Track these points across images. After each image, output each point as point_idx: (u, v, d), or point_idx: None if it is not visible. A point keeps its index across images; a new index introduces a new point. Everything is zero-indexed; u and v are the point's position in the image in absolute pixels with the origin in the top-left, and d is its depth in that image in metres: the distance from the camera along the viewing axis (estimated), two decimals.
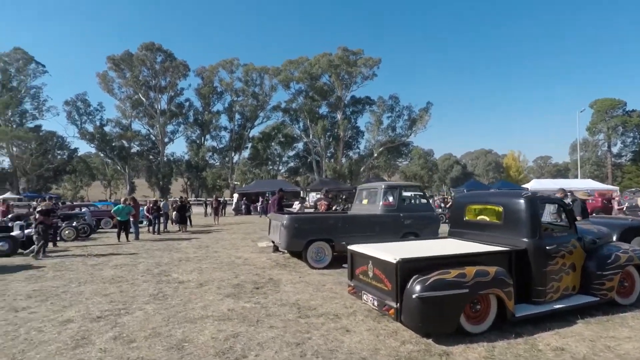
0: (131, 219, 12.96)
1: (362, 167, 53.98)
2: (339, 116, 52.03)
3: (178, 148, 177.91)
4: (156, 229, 15.19)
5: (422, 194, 9.38)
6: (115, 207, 12.04)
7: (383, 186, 9.14)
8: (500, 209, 5.36)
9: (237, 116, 50.74)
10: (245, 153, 53.59)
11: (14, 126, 42.88)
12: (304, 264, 8.65)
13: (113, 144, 46.23)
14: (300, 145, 55.53)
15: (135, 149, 49.99)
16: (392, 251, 4.94)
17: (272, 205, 10.37)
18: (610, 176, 59.48)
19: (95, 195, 54.88)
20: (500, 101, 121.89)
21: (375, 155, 53.03)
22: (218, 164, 53.33)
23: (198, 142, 50.04)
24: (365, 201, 9.68)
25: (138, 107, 46.97)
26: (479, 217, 5.82)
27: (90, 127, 46.12)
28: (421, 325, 4.14)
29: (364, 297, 4.99)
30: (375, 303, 4.69)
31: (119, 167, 48.92)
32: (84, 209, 17.43)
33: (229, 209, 29.45)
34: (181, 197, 18.51)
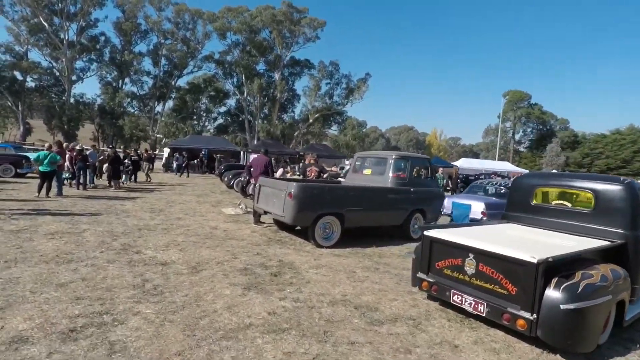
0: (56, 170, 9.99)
1: (296, 131, 52.47)
2: (276, 76, 49.06)
3: (89, 89, 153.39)
4: (81, 183, 12.18)
5: (429, 167, 8.52)
6: (36, 154, 9.03)
7: (394, 156, 8.02)
8: (590, 194, 4.61)
9: (164, 61, 44.70)
10: (170, 104, 48.07)
11: None
12: (301, 240, 7.29)
13: (2, 74, 37.19)
14: (232, 102, 51.66)
15: (32, 83, 41.15)
16: (503, 242, 3.89)
17: (256, 168, 8.59)
18: (510, 160, 67.15)
19: None
20: (426, 81, 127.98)
21: (311, 120, 51.77)
22: (137, 112, 46.94)
23: (115, 85, 42.95)
24: (367, 171, 8.51)
25: (37, 34, 38.03)
26: (554, 202, 5.05)
27: None
28: (570, 343, 3.21)
29: (455, 297, 3.92)
30: (482, 308, 3.64)
31: (9, 104, 39.81)
32: None
33: (157, 165, 25.98)
34: (112, 147, 15.29)
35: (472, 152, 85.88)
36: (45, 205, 9.03)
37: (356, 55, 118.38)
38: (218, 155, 27.14)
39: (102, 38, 41.85)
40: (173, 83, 46.15)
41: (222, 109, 52.11)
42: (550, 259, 3.27)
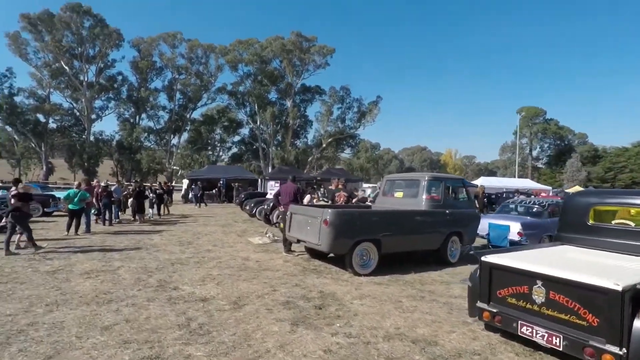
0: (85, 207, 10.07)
1: (309, 156, 52.78)
2: (288, 103, 49.96)
3: (107, 126, 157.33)
4: (107, 219, 12.24)
5: (464, 188, 8.28)
6: (66, 193, 9.13)
7: (427, 177, 7.83)
8: None
9: (178, 95, 46.05)
10: (185, 136, 49.13)
11: None
12: (336, 268, 7.05)
13: (26, 117, 38.76)
14: (245, 131, 52.59)
15: (54, 124, 42.73)
16: (571, 267, 3.63)
17: (284, 195, 8.47)
18: (529, 177, 65.85)
19: (0, 176, 45.96)
20: (437, 101, 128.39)
21: (324, 145, 52.10)
22: (154, 145, 48.04)
23: (132, 120, 44.29)
24: (399, 194, 8.31)
25: (59, 77, 39.84)
26: (615, 222, 4.76)
27: None
28: None
29: (523, 329, 3.62)
30: (558, 341, 3.34)
31: (33, 145, 41.26)
32: (2, 192, 13.56)
33: (176, 197, 26.20)
34: (136, 181, 15.46)
35: (488, 170, 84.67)
36: (75, 243, 9.03)
37: (367, 78, 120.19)
38: (236, 184, 27.25)
39: (120, 77, 43.59)
40: (188, 116, 47.31)
41: (236, 138, 53.02)
42: (638, 286, 2.99)
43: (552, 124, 67.35)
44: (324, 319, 4.47)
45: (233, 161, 52.56)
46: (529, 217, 10.08)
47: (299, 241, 7.23)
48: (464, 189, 8.36)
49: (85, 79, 41.05)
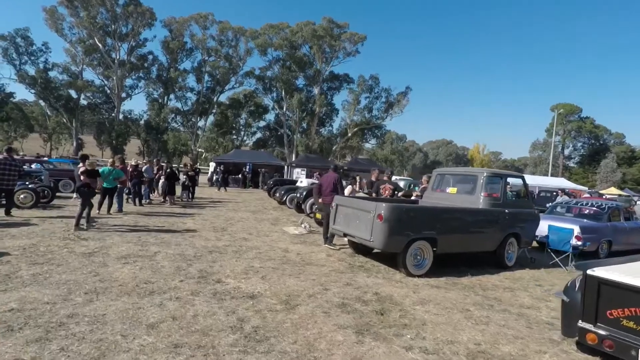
0: (118, 186, 9.84)
1: (334, 145, 52.10)
2: (316, 90, 49.12)
3: (136, 105, 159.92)
4: (137, 200, 12.04)
5: (524, 185, 7.53)
6: (100, 170, 8.89)
7: (485, 173, 7.11)
8: None
9: (207, 78, 45.84)
10: (211, 119, 49.19)
11: None
12: (384, 266, 6.48)
13: (59, 93, 39.46)
14: (271, 116, 52.23)
15: (85, 100, 43.40)
16: None
17: (327, 186, 7.90)
18: (559, 175, 63.22)
19: (32, 149, 47.30)
20: (463, 95, 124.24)
21: (350, 135, 51.23)
22: (180, 127, 48.33)
23: (160, 101, 44.52)
24: (452, 190, 7.62)
25: (92, 54, 40.20)
26: None
27: (31, 70, 38.93)
28: None
29: None
30: None
31: (64, 120, 42.12)
32: (36, 165, 13.55)
33: (201, 179, 26.13)
34: (168, 162, 15.25)
35: (514, 167, 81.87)
36: (109, 222, 8.79)
37: (395, 68, 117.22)
38: (262, 170, 26.97)
39: (150, 57, 43.63)
40: (215, 99, 47.19)
41: (261, 124, 52.72)
42: None
43: (588, 123, 64.19)
44: (390, 328, 3.93)
45: (257, 147, 52.45)
46: (585, 220, 9.22)
47: (345, 235, 6.68)
48: (524, 187, 7.60)
49: (117, 57, 41.32)
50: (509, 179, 7.37)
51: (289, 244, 7.85)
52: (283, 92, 45.95)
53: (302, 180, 16.32)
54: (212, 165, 25.74)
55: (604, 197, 24.08)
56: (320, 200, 8.16)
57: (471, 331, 4.04)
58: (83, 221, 7.70)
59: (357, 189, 10.33)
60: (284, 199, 14.71)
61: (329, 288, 5.09)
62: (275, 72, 46.43)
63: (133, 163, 12.63)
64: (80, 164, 8.30)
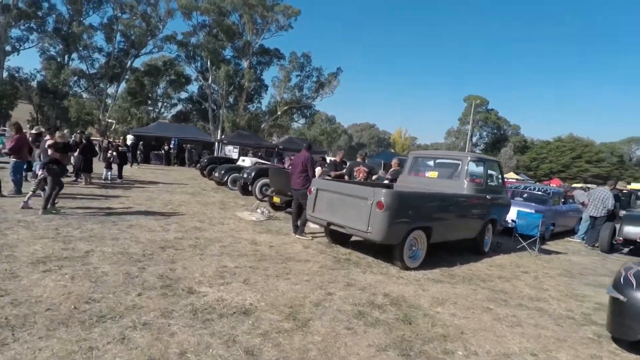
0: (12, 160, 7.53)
1: (262, 123, 50.17)
2: (245, 64, 46.37)
3: (27, 62, 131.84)
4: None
5: (500, 170, 7.36)
6: None
7: (469, 157, 6.73)
8: None
9: (119, 38, 40.01)
10: (124, 86, 43.50)
11: None
12: (372, 258, 5.77)
13: None
14: (194, 88, 48.15)
15: None
16: None
17: (295, 167, 6.81)
18: None
19: None
20: (388, 81, 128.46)
21: (279, 113, 49.70)
22: (85, 93, 41.80)
23: (59, 60, 37.57)
24: (432, 174, 7.15)
25: None
26: None
27: None
28: None
29: None
30: None
31: None
32: None
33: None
34: (82, 132, 12.53)
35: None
36: (3, 207, 6.62)
37: (326, 49, 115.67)
38: (188, 146, 24.42)
39: (46, 4, 36.21)
40: (128, 63, 41.64)
41: (183, 96, 48.36)
42: None
43: (493, 114, 71.39)
44: (431, 342, 3.19)
45: (177, 120, 48.01)
46: (534, 204, 9.60)
47: (330, 225, 5.76)
48: (500, 172, 7.46)
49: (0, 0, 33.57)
50: (490, 164, 7.12)
51: (253, 234, 6.68)
52: (209, 63, 42.34)
53: (245, 159, 14.82)
54: (130, 138, 22.50)
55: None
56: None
57: (513, 337, 3.51)
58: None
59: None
60: (225, 179, 13.17)
61: (332, 292, 4.18)
62: (201, 39, 42.52)
63: (34, 131, 9.99)
64: (48, 137, 7.32)
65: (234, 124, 44.68)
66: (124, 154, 12.47)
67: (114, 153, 12.15)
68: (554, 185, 20.46)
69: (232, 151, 24.96)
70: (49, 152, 6.82)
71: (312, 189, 6.09)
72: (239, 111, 46.96)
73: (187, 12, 40.05)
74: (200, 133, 28.82)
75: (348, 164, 8.02)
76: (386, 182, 8.19)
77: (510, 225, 8.06)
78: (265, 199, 9.56)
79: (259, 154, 26.35)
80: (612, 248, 8.54)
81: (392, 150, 70.45)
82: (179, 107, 50.27)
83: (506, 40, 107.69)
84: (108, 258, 4.46)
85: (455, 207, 6.08)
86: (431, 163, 7.37)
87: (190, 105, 49.17)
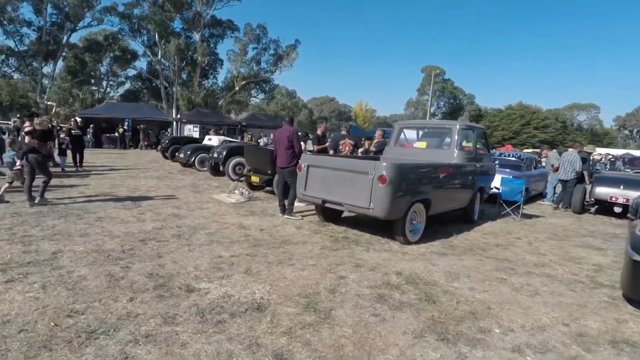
0: None
1: (220, 100, 48.07)
2: (197, 37, 43.69)
3: None
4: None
5: (486, 138, 7.29)
6: None
7: (458, 126, 6.55)
8: None
9: (50, 10, 35.91)
10: (61, 64, 39.65)
11: None
12: (371, 235, 5.52)
13: None
14: (142, 64, 44.90)
15: None
16: None
17: (280, 143, 6.30)
18: None
19: None
20: (346, 53, 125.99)
21: (237, 88, 47.74)
22: (16, 73, 37.56)
23: None
24: (421, 144, 6.92)
25: None
26: None
27: None
28: None
29: None
30: None
31: None
32: None
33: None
34: (33, 112, 11.04)
35: (387, 124, 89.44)
36: None
37: (283, 20, 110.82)
38: (142, 126, 22.69)
39: None
40: (64, 39, 37.70)
41: (131, 73, 44.99)
42: None
43: (449, 84, 73.17)
44: (463, 323, 3.00)
45: (126, 100, 44.77)
46: (515, 171, 9.80)
47: (325, 203, 5.39)
48: (486, 140, 7.40)
49: None
50: (478, 131, 7.02)
51: (238, 217, 6.19)
52: (157, 36, 39.36)
53: (211, 137, 13.90)
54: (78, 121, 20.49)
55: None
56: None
57: (538, 307, 3.41)
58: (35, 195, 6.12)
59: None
60: (192, 160, 12.33)
61: (343, 275, 3.87)
62: (145, 10, 39.33)
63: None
64: (27, 123, 7.03)
65: (189, 102, 42.39)
66: (79, 138, 11.18)
67: (67, 137, 10.88)
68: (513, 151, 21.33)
69: (192, 130, 23.60)
70: (26, 139, 6.30)
71: (302, 166, 5.66)
72: (193, 88, 44.57)
73: None
74: (156, 112, 27.00)
75: (332, 136, 7.59)
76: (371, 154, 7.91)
77: (494, 192, 8.13)
78: (242, 178, 8.98)
79: (221, 131, 25.22)
80: (582, 209, 8.91)
81: (353, 124, 70.62)
82: (127, 85, 46.90)
83: (458, 10, 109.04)
84: (82, 258, 3.84)
85: (451, 178, 5.94)
86: (418, 133, 7.14)
87: (140, 83, 45.99)
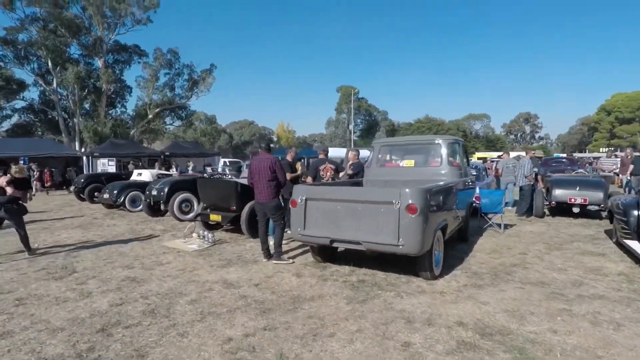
0: None
1: (132, 129, 43.90)
2: (99, 63, 39.78)
3: None
4: None
5: (465, 151, 7.04)
6: None
7: (445, 140, 6.16)
8: None
9: None
10: None
11: None
12: (379, 272, 4.72)
13: None
14: (33, 95, 39.14)
15: None
16: None
17: (261, 174, 5.22)
18: (352, 147, 74.20)
19: None
20: (266, 77, 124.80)
21: (151, 116, 44.18)
22: None
23: None
24: (408, 162, 6.39)
25: None
26: None
27: None
28: None
29: None
30: None
31: None
32: None
33: None
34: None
35: (306, 143, 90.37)
36: None
37: (198, 44, 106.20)
38: (33, 165, 18.90)
39: None
40: None
41: (19, 105, 38.92)
42: None
43: (364, 102, 77.15)
44: None
45: (14, 135, 38.35)
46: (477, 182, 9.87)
47: (333, 242, 4.44)
48: (465, 153, 7.18)
49: None
50: (462, 145, 6.73)
51: (216, 271, 4.91)
52: (50, 63, 34.73)
53: (142, 172, 11.87)
54: None
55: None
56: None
57: (636, 344, 2.91)
58: None
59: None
60: (120, 200, 10.34)
61: (405, 340, 2.99)
62: (34, 35, 34.59)
63: None
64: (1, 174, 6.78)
65: (96, 133, 37.80)
66: (27, 182, 8.58)
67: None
68: None
69: (107, 165, 20.63)
70: (9, 190, 5.87)
71: (296, 201, 4.67)
72: (99, 118, 40.06)
73: (7, 2, 31.95)
74: (60, 147, 23.17)
75: (311, 162, 6.70)
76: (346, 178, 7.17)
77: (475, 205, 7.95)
78: (198, 218, 7.55)
79: (139, 164, 22.47)
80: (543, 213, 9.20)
81: (275, 146, 69.86)
82: (15, 118, 40.36)
83: (366, 33, 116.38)
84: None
85: (455, 197, 5.44)
86: (403, 151, 6.62)
87: (32, 116, 39.91)
